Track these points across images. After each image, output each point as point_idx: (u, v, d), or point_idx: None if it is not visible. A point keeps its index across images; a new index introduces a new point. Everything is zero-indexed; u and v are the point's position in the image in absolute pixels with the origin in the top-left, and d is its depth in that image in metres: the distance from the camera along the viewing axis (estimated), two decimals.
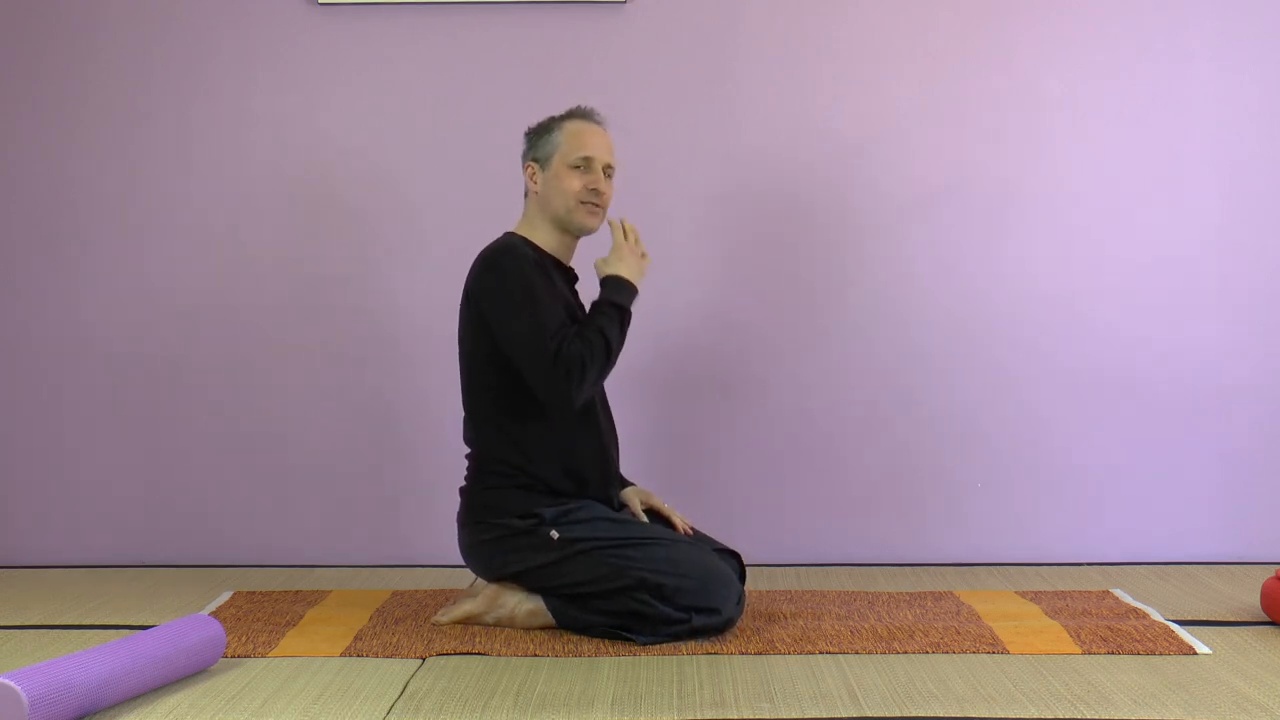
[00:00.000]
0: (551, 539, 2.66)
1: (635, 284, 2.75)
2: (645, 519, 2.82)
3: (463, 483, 2.83)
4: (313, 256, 3.47)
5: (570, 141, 2.77)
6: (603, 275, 2.76)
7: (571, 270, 2.87)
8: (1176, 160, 3.45)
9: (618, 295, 2.72)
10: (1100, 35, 3.44)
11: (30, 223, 3.49)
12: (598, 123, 2.83)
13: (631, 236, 2.81)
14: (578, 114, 2.83)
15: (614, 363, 2.69)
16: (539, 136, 2.82)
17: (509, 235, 2.82)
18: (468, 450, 2.83)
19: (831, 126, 3.45)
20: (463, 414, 2.82)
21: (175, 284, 3.48)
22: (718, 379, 3.46)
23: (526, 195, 2.85)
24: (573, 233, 2.81)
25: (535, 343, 2.63)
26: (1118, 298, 3.45)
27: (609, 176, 2.81)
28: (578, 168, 2.76)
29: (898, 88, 3.45)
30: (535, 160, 2.81)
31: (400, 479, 3.48)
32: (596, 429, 2.80)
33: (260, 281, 3.48)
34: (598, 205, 2.78)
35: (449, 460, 3.41)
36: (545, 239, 2.81)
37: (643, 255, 2.80)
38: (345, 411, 3.48)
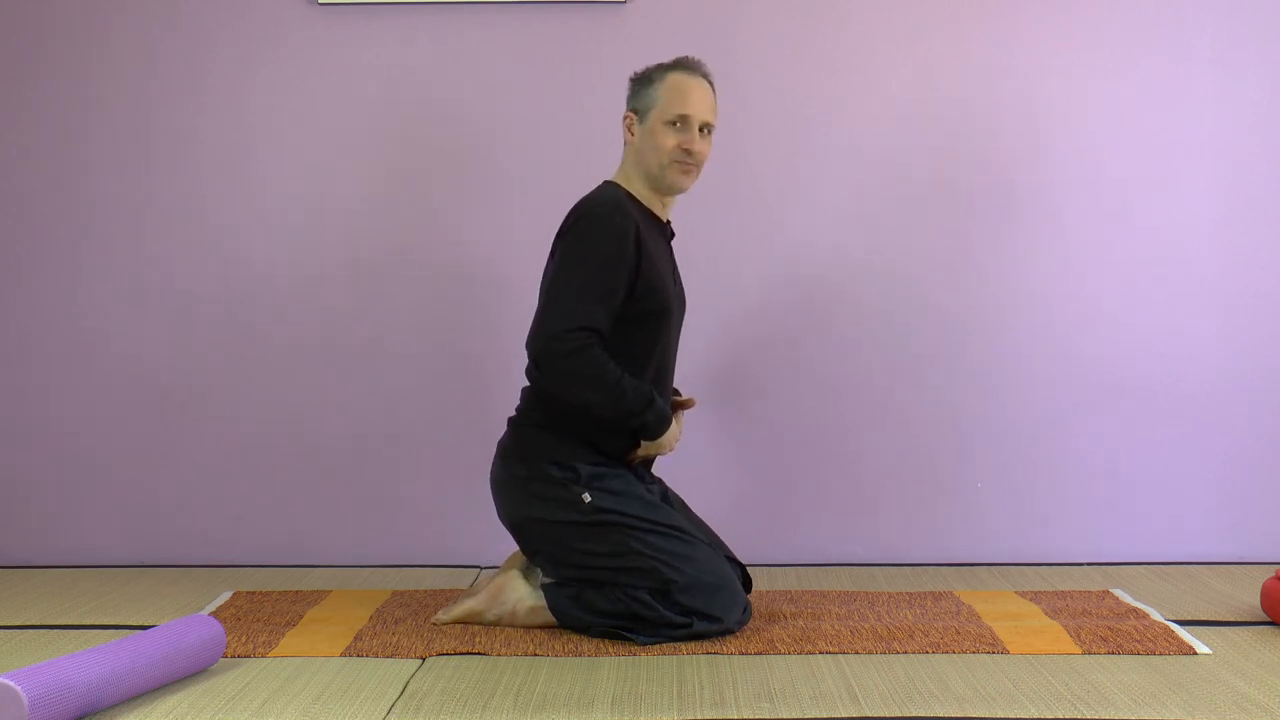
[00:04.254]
0: (582, 500, 2.66)
1: (657, 435, 2.69)
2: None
3: (513, 414, 2.81)
4: (312, 256, 3.47)
5: (668, 97, 2.71)
6: (648, 439, 2.71)
7: (668, 225, 2.86)
8: (1177, 160, 3.45)
9: (649, 415, 2.65)
10: (1101, 35, 3.44)
11: (30, 222, 3.49)
12: (702, 75, 2.76)
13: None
14: (681, 65, 2.76)
15: (597, 395, 2.61)
16: (640, 86, 2.77)
17: (611, 186, 2.77)
18: (526, 384, 2.81)
19: (833, 125, 3.45)
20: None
21: (175, 283, 3.48)
22: (718, 379, 3.45)
23: (625, 143, 2.81)
24: (664, 191, 2.78)
25: (567, 304, 2.59)
26: (1118, 297, 3.45)
27: (706, 134, 2.76)
28: (674, 124, 2.72)
29: (897, 87, 3.45)
30: (634, 111, 2.76)
31: (400, 479, 3.48)
32: (665, 399, 2.80)
33: (260, 281, 3.47)
34: (691, 164, 2.74)
35: (450, 460, 3.43)
36: (640, 191, 2.78)
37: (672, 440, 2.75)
38: (345, 411, 3.48)
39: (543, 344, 2.61)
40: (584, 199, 2.74)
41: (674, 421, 2.74)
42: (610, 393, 2.61)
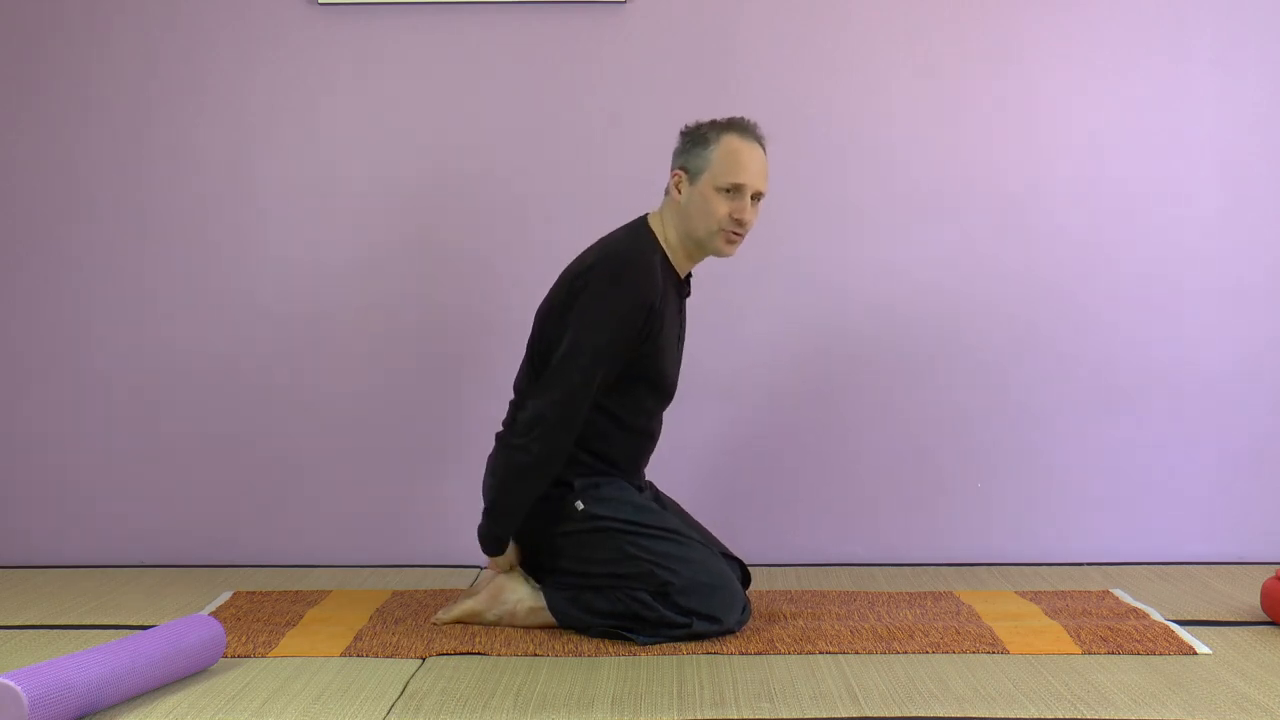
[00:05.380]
0: (575, 509, 2.67)
1: (483, 547, 2.73)
2: None
3: (500, 429, 2.81)
4: (311, 256, 3.47)
5: (724, 162, 2.60)
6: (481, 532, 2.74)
7: (687, 282, 2.80)
8: (1177, 160, 3.45)
9: (490, 527, 2.71)
10: (1101, 35, 3.44)
11: (30, 222, 3.49)
12: (757, 140, 2.65)
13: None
14: (737, 127, 2.64)
15: (539, 456, 2.63)
16: (693, 145, 2.65)
17: (647, 234, 2.70)
18: (514, 398, 2.81)
19: (833, 125, 3.45)
20: (520, 367, 2.82)
21: (174, 284, 3.48)
22: (718, 379, 3.45)
23: (667, 193, 2.72)
24: (704, 253, 2.73)
25: (575, 369, 2.60)
26: (1118, 297, 3.45)
27: (757, 201, 2.67)
28: (726, 191, 2.62)
29: (897, 87, 3.44)
30: (684, 169, 2.65)
31: (400, 479, 3.48)
32: (654, 429, 2.82)
33: (259, 281, 3.47)
34: (739, 234, 2.67)
35: (450, 460, 3.42)
36: (672, 245, 2.71)
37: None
38: (345, 411, 3.48)
39: (546, 409, 2.61)
40: (617, 247, 2.67)
41: (511, 553, 2.73)
42: (517, 485, 2.64)
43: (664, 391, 2.79)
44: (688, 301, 2.86)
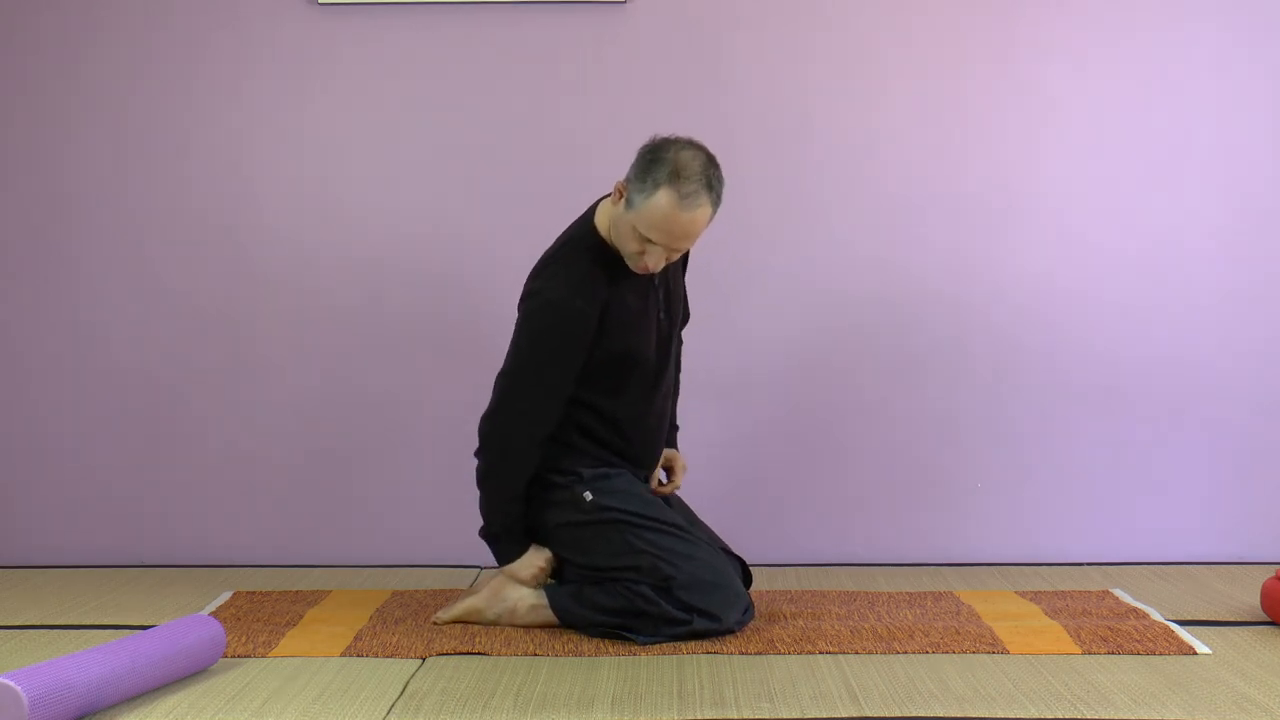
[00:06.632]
0: (584, 500, 2.69)
1: (499, 561, 2.78)
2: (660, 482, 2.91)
3: None
4: (310, 256, 3.47)
5: (650, 216, 2.53)
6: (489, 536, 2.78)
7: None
8: (1177, 160, 3.45)
9: (494, 540, 2.76)
10: (1100, 34, 3.44)
11: (28, 222, 3.49)
12: (695, 207, 2.53)
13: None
14: (679, 186, 2.51)
15: (494, 476, 2.71)
16: (640, 174, 2.56)
17: (588, 234, 2.70)
18: None
19: (832, 125, 3.45)
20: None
21: (173, 284, 3.48)
22: (719, 379, 3.45)
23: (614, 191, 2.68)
24: None
25: (510, 392, 2.68)
26: (1117, 297, 3.45)
27: (676, 250, 2.61)
28: (646, 238, 2.59)
29: (898, 86, 3.44)
30: (626, 192, 2.59)
31: (400, 479, 3.48)
32: (651, 412, 2.80)
33: (258, 281, 3.47)
34: (649, 269, 2.66)
35: (450, 459, 3.42)
36: (611, 238, 2.70)
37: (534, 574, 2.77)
38: (345, 411, 3.48)
39: (483, 422, 2.71)
40: (550, 266, 2.69)
41: (533, 556, 2.75)
42: (490, 500, 2.72)
43: (645, 370, 2.76)
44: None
